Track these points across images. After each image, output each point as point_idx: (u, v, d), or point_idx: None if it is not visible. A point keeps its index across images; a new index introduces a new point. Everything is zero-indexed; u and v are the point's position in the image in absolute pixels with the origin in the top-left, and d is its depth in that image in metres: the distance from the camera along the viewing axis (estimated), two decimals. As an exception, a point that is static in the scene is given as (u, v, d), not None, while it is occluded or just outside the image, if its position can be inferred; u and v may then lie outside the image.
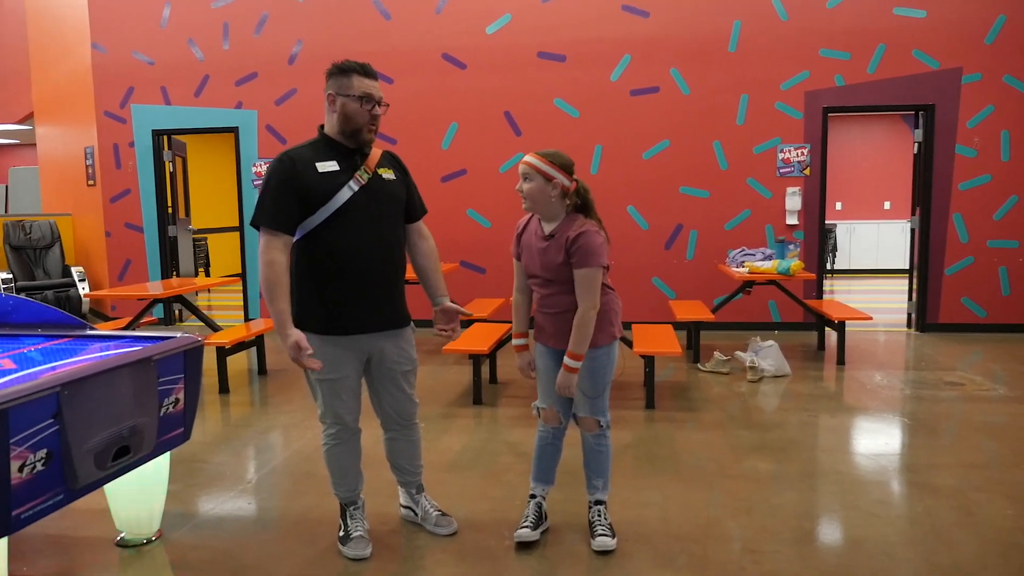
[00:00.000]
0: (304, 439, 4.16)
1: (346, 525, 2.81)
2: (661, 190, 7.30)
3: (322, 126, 2.68)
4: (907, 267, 7.69)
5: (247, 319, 8.14)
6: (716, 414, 4.54)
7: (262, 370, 5.83)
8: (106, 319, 8.15)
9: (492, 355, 5.33)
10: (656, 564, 2.66)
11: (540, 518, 2.87)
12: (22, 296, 3.21)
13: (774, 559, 2.69)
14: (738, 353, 5.62)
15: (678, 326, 5.86)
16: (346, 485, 2.82)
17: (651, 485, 3.40)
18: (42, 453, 2.04)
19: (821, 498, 3.27)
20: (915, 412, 4.54)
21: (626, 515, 3.03)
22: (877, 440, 4.08)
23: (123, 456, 2.38)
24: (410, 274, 2.98)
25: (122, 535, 2.89)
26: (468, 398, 4.93)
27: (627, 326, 5.76)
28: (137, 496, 2.84)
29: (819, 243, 7.27)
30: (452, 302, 2.84)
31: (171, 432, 2.66)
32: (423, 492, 3.01)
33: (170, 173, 8.21)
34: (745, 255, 6.32)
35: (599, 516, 2.82)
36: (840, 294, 9.87)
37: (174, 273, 8.27)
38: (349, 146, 2.63)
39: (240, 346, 5.50)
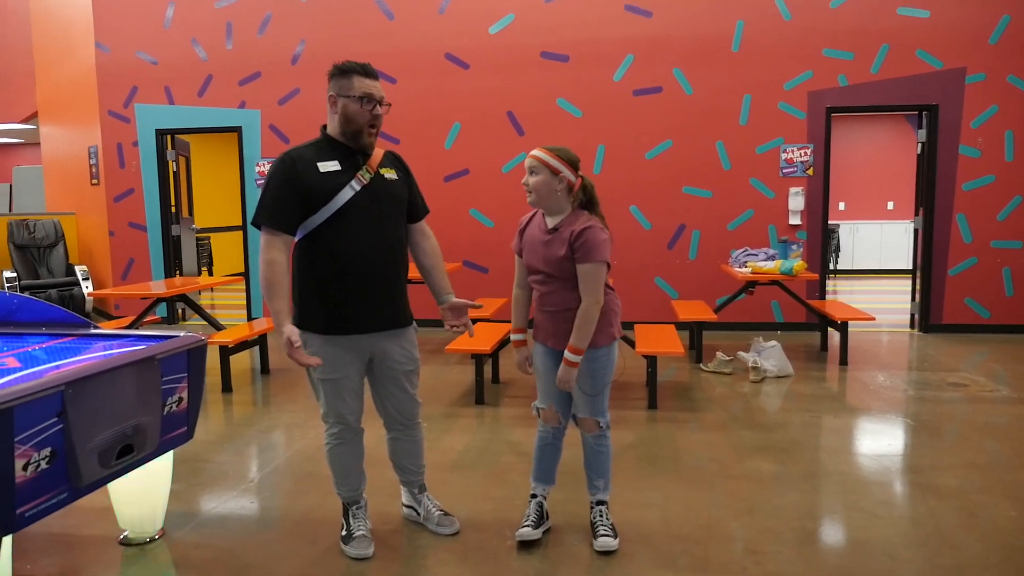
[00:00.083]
0: (307, 439, 4.17)
1: (348, 524, 2.82)
2: (664, 190, 7.30)
3: (324, 126, 2.69)
4: (910, 267, 7.66)
5: (250, 318, 8.15)
6: (718, 414, 4.54)
7: (265, 369, 5.84)
8: (109, 318, 8.16)
9: (494, 355, 5.33)
10: (658, 565, 2.66)
11: (541, 517, 2.87)
12: (26, 295, 3.21)
13: (776, 560, 2.69)
14: (741, 353, 5.61)
15: (680, 326, 5.86)
16: (348, 485, 2.83)
17: (653, 485, 3.40)
18: (46, 451, 2.05)
19: (823, 499, 3.27)
20: (918, 413, 4.53)
21: (628, 515, 3.03)
22: (880, 441, 4.08)
23: (126, 455, 2.39)
24: (414, 274, 2.98)
25: (125, 534, 2.90)
26: (470, 398, 4.94)
27: (629, 326, 5.80)
28: (140, 495, 2.85)
29: (822, 243, 7.26)
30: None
31: (174, 431, 2.67)
32: (425, 492, 3.01)
33: (173, 172, 8.23)
34: (748, 255, 6.31)
35: (601, 516, 2.82)
36: (843, 294, 9.86)
37: (177, 272, 8.28)
38: (351, 146, 2.63)
39: (243, 345, 5.50)
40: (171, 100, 7.98)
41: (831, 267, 11.91)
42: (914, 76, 6.92)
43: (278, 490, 3.46)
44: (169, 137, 8.12)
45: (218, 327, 6.24)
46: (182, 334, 2.77)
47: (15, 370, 2.39)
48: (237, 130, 7.89)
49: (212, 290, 11.19)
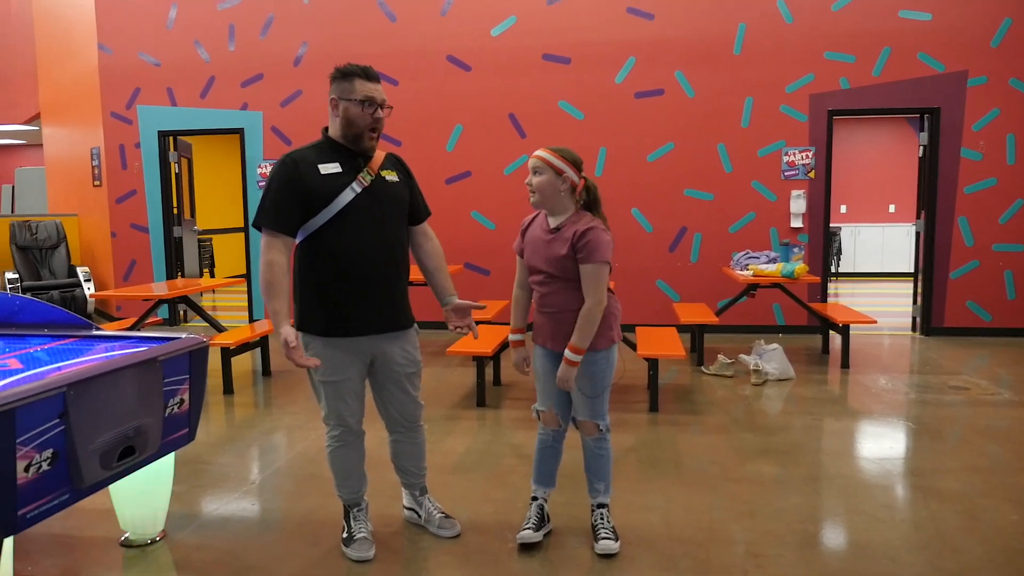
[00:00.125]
0: (308, 440, 4.17)
1: (349, 527, 2.82)
2: (665, 192, 7.30)
3: (326, 128, 2.69)
4: (912, 271, 7.66)
5: (251, 320, 8.16)
6: (720, 417, 4.53)
7: (266, 371, 5.85)
8: (111, 319, 8.17)
9: (496, 357, 5.33)
10: (659, 568, 2.66)
11: (542, 520, 2.87)
12: (28, 296, 3.22)
13: (777, 563, 2.69)
14: (742, 356, 5.61)
15: (682, 329, 5.85)
16: (349, 487, 2.83)
17: (654, 488, 3.40)
18: (48, 453, 2.05)
19: (825, 502, 3.26)
20: (920, 416, 4.53)
21: (629, 518, 3.03)
22: (881, 444, 4.07)
23: (128, 456, 2.39)
24: (418, 276, 2.98)
25: (126, 535, 2.90)
26: (472, 400, 4.94)
27: (631, 328, 5.80)
28: (141, 496, 2.85)
29: (824, 246, 7.26)
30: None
31: (176, 433, 2.67)
32: (427, 494, 3.01)
33: (176, 174, 8.24)
34: (749, 258, 6.31)
35: (602, 519, 2.82)
36: (845, 297, 9.85)
37: (179, 274, 8.29)
38: (352, 149, 2.64)
39: (244, 347, 5.51)
40: (173, 102, 7.99)
41: (832, 270, 11.89)
42: (916, 79, 6.92)
43: (279, 492, 3.46)
44: (171, 138, 8.13)
45: (220, 329, 6.24)
46: (184, 336, 2.77)
47: (17, 371, 2.40)
48: (239, 132, 7.90)
49: (214, 292, 11.19)
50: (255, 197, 7.82)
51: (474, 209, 7.57)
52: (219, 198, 11.41)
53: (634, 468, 3.68)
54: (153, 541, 2.89)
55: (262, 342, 5.79)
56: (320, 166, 2.57)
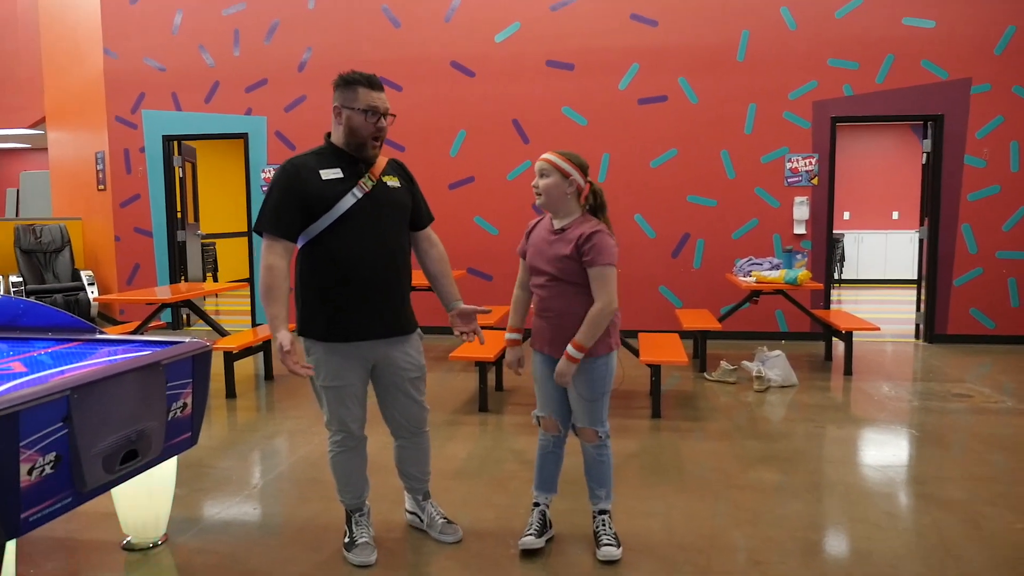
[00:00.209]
0: (310, 445, 4.17)
1: (351, 531, 2.82)
2: (668, 199, 7.31)
3: (328, 134, 2.70)
4: (915, 278, 7.66)
5: (254, 324, 8.17)
6: (722, 424, 4.53)
7: (269, 375, 5.85)
8: (114, 323, 8.19)
9: (498, 362, 5.33)
10: (660, 574, 2.65)
11: (544, 526, 2.87)
12: (32, 300, 3.23)
13: (779, 570, 2.68)
14: (745, 363, 5.61)
15: (684, 335, 5.85)
16: (351, 492, 2.83)
17: (656, 495, 3.40)
18: (51, 456, 2.05)
19: (827, 509, 3.26)
20: (923, 424, 4.52)
21: (630, 525, 3.02)
22: (884, 452, 4.06)
23: (131, 460, 2.39)
24: (421, 281, 2.98)
25: (128, 539, 2.91)
26: (474, 405, 4.94)
27: (633, 334, 5.80)
28: (144, 500, 2.86)
29: (827, 253, 7.25)
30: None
31: (179, 436, 2.67)
32: (430, 499, 3.01)
33: (179, 178, 8.26)
34: (752, 264, 6.31)
35: (603, 526, 2.81)
36: (847, 304, 9.84)
37: (182, 278, 8.31)
38: (354, 155, 2.65)
39: (247, 351, 5.51)
40: (178, 106, 8.02)
41: (836, 277, 11.90)
42: (919, 86, 6.92)
43: (281, 496, 3.46)
44: (176, 143, 8.17)
45: (222, 333, 6.25)
46: (187, 340, 2.78)
47: (21, 375, 2.40)
48: (243, 136, 7.92)
49: (217, 296, 11.21)
50: (259, 202, 7.83)
51: (477, 214, 7.58)
52: (223, 203, 11.44)
53: (636, 474, 3.67)
54: (155, 545, 2.90)
55: (265, 346, 5.79)
56: (322, 171, 2.58)
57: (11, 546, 2.15)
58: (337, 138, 2.66)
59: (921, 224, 7.30)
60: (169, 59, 7.97)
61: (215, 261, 11.49)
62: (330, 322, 2.62)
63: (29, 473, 1.98)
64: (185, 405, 2.68)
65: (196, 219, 8.80)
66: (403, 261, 2.74)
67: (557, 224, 2.70)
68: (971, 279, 7.04)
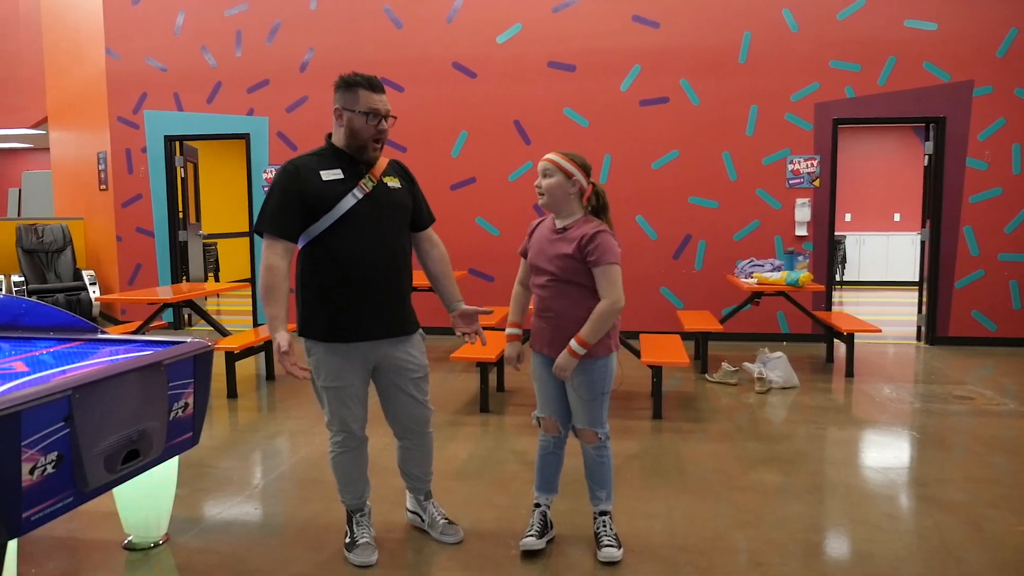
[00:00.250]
0: (311, 445, 4.17)
1: (352, 532, 2.82)
2: (670, 200, 7.31)
3: (329, 135, 2.71)
4: (917, 279, 7.66)
5: (256, 324, 8.18)
6: (723, 425, 4.53)
7: (270, 375, 5.85)
8: (116, 323, 8.20)
9: (499, 363, 5.33)
10: None
11: (545, 527, 2.87)
12: (33, 299, 3.23)
13: (781, 572, 2.68)
14: (746, 364, 5.60)
15: (686, 336, 5.85)
16: (352, 492, 2.83)
17: (657, 496, 3.39)
18: (53, 456, 2.05)
19: (829, 511, 3.25)
20: (924, 426, 4.52)
21: (632, 526, 3.02)
22: (886, 453, 4.06)
23: (132, 460, 2.40)
24: (422, 281, 2.98)
25: (130, 538, 2.91)
26: (475, 406, 4.94)
27: (635, 335, 5.79)
28: (145, 500, 2.86)
29: (828, 254, 7.25)
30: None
31: (180, 436, 2.68)
32: (431, 499, 3.01)
33: (181, 179, 8.27)
34: (754, 266, 6.31)
35: (604, 527, 2.81)
36: (849, 306, 9.83)
37: (184, 278, 8.31)
38: (355, 157, 2.65)
39: (249, 351, 5.52)
40: (180, 107, 8.03)
41: (837, 278, 11.89)
42: (921, 88, 6.92)
43: (282, 496, 3.46)
44: (177, 143, 8.17)
45: (224, 333, 6.26)
46: (188, 340, 2.78)
47: (22, 374, 2.41)
48: (245, 137, 7.93)
49: (218, 296, 11.22)
50: (260, 202, 7.79)
51: (478, 215, 7.58)
52: (224, 203, 11.45)
53: (637, 475, 3.67)
54: (156, 544, 2.90)
55: (266, 346, 5.80)
56: (322, 172, 2.59)
57: (13, 545, 2.15)
58: (338, 139, 2.66)
59: (923, 226, 7.30)
60: (171, 59, 7.98)
61: (217, 261, 11.50)
62: (331, 322, 2.62)
63: (31, 472, 1.98)
64: (186, 405, 2.68)
65: (198, 219, 8.81)
66: (404, 262, 2.74)
67: (559, 224, 2.70)
68: (973, 281, 7.04)
